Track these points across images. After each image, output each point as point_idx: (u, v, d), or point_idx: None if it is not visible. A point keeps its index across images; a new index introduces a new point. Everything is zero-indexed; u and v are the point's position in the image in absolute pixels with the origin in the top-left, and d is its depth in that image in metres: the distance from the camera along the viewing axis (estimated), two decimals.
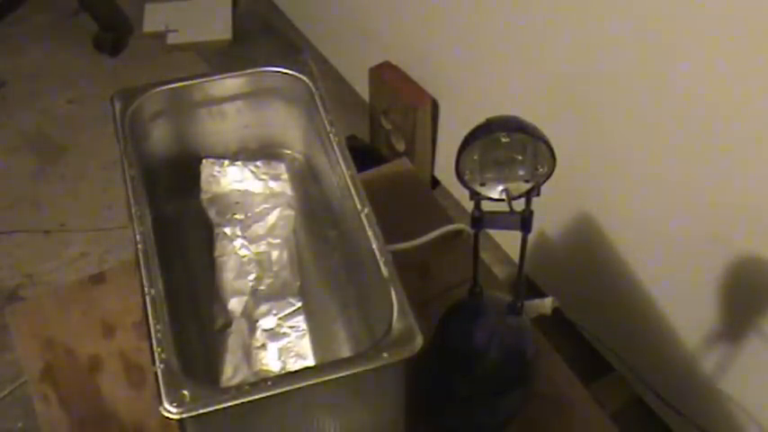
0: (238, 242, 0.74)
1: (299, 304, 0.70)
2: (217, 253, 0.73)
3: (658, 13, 0.99)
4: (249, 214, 0.75)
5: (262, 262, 0.72)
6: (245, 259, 0.73)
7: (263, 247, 0.73)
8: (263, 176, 0.77)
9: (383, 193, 0.88)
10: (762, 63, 0.89)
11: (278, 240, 0.74)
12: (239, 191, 0.76)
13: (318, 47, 2.00)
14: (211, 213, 0.75)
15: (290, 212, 0.76)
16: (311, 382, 0.52)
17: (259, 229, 0.75)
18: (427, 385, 0.71)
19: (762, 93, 0.90)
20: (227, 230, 0.74)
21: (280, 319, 0.69)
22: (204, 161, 0.77)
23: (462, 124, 0.60)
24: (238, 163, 0.77)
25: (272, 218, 0.75)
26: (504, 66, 1.34)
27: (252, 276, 0.71)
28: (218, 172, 0.77)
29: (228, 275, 0.71)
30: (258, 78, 0.73)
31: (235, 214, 0.75)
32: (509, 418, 0.72)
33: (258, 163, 0.78)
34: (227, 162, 0.77)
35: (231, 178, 0.77)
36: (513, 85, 1.33)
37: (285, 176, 0.78)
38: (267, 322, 0.69)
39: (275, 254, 0.73)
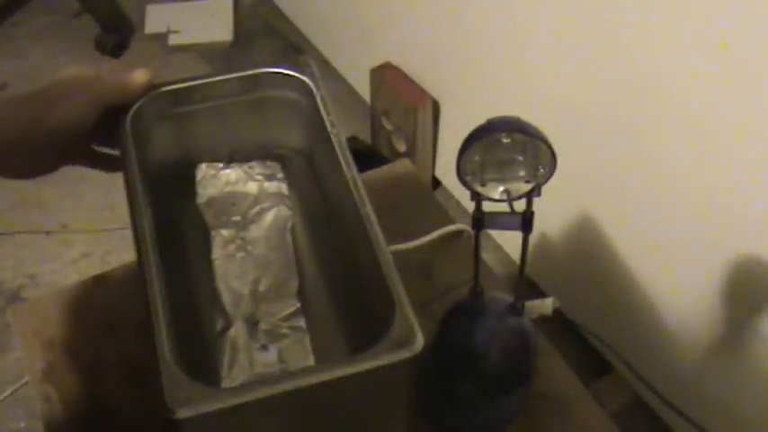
0: (236, 244, 0.74)
1: (299, 305, 0.70)
2: (214, 255, 0.72)
3: (659, 19, 1.00)
4: (245, 215, 0.76)
5: (260, 263, 0.72)
6: (242, 261, 0.73)
7: (260, 247, 0.74)
8: (258, 177, 0.77)
9: (384, 193, 0.88)
10: (761, 68, 0.89)
11: (275, 241, 0.74)
12: (235, 192, 0.76)
13: (319, 48, 2.00)
14: (208, 216, 0.75)
15: (286, 212, 0.76)
16: (311, 382, 0.52)
17: (256, 229, 0.75)
18: (428, 385, 0.71)
19: (763, 94, 0.90)
20: (225, 232, 0.74)
21: (279, 319, 0.69)
22: (198, 165, 0.77)
23: (463, 125, 0.60)
24: (233, 165, 0.77)
25: (268, 218, 0.75)
26: (505, 67, 1.34)
27: (250, 278, 0.71)
28: (213, 175, 0.77)
29: (227, 277, 0.71)
30: (259, 79, 0.73)
31: (231, 216, 0.75)
32: (509, 417, 0.72)
33: (252, 163, 0.78)
34: (221, 164, 0.77)
35: (226, 180, 0.77)
36: (514, 86, 1.33)
37: (281, 176, 0.78)
38: (267, 323, 0.69)
39: (273, 254, 0.73)
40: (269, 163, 0.79)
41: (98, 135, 0.68)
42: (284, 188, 0.77)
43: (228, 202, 0.76)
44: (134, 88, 0.68)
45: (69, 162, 0.69)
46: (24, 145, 0.63)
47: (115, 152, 0.71)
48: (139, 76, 0.68)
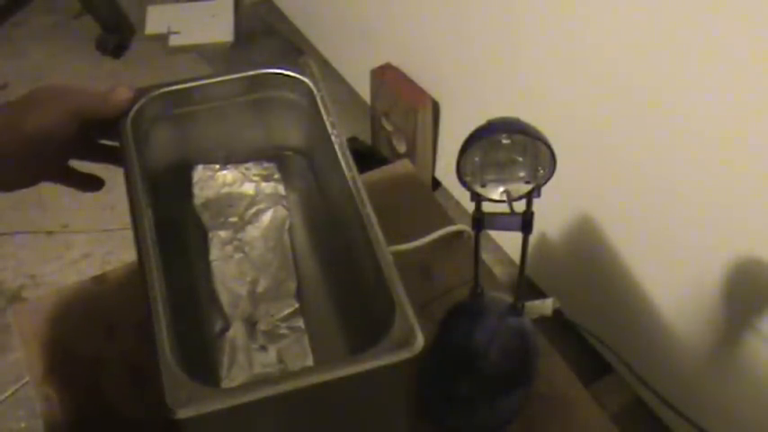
0: (233, 245, 0.74)
1: (297, 305, 0.70)
2: (212, 257, 0.72)
3: (659, 19, 1.00)
4: (243, 216, 0.76)
5: (258, 264, 0.72)
6: (240, 262, 0.73)
7: (258, 248, 0.74)
8: (255, 178, 0.77)
9: (384, 194, 0.89)
10: (760, 69, 0.89)
11: (273, 241, 0.74)
12: (231, 193, 0.76)
13: (320, 49, 2.00)
14: (205, 218, 0.75)
15: (284, 212, 0.76)
16: (311, 382, 0.52)
17: (253, 230, 0.75)
18: (428, 385, 0.71)
19: (762, 97, 0.90)
20: (222, 234, 0.74)
21: (278, 320, 0.69)
22: (195, 167, 0.77)
23: (463, 126, 0.60)
24: (229, 166, 0.77)
25: (266, 219, 0.75)
26: (505, 67, 1.34)
27: (248, 278, 0.71)
28: (210, 176, 0.77)
29: (225, 279, 0.71)
30: (260, 80, 0.73)
31: (228, 217, 0.75)
32: (509, 417, 0.72)
33: (249, 164, 0.78)
34: (217, 166, 0.77)
35: (222, 181, 0.77)
36: (514, 87, 1.34)
37: (277, 176, 0.78)
38: (265, 324, 0.69)
39: (271, 255, 0.73)
40: (265, 164, 0.79)
41: (76, 150, 0.68)
42: (281, 189, 0.78)
43: (225, 204, 0.76)
44: (114, 104, 0.67)
45: (47, 177, 0.69)
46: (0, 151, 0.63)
47: (95, 163, 0.71)
48: (121, 94, 0.68)
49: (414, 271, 0.84)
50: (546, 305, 0.75)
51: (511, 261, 1.53)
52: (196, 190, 0.76)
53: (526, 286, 0.70)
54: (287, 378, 0.54)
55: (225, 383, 0.65)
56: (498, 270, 1.49)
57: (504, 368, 0.71)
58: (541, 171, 0.60)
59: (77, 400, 0.75)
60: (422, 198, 0.93)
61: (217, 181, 0.77)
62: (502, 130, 0.58)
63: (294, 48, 2.12)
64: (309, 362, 0.67)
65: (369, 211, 0.61)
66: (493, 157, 0.60)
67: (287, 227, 0.75)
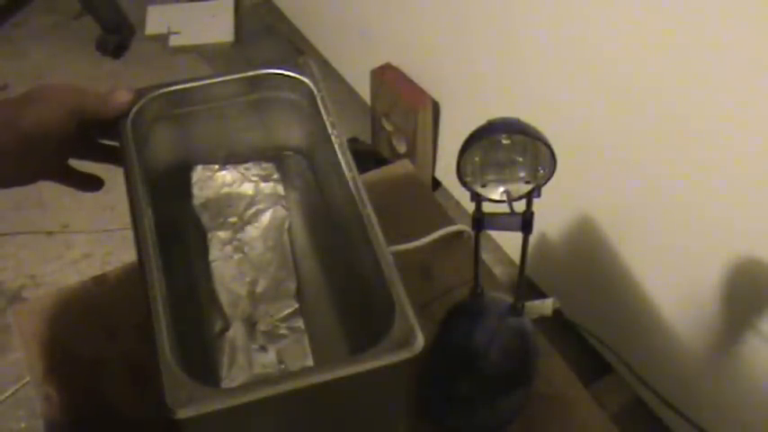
0: (233, 245, 0.74)
1: (297, 305, 0.70)
2: (211, 257, 0.72)
3: (659, 20, 1.00)
4: (242, 216, 0.76)
5: (257, 264, 0.73)
6: (240, 262, 0.73)
7: (257, 248, 0.74)
8: (254, 178, 0.77)
9: (384, 194, 0.89)
10: (758, 71, 0.89)
11: (272, 241, 0.74)
12: (230, 194, 0.76)
13: (320, 49, 2.01)
14: (204, 218, 0.75)
15: (283, 213, 0.76)
16: (311, 382, 0.52)
17: (253, 230, 0.75)
18: (428, 385, 0.72)
19: (763, 97, 0.91)
20: (221, 234, 0.74)
21: (278, 320, 0.69)
22: (194, 167, 0.77)
23: (463, 126, 0.61)
24: (228, 166, 0.77)
25: (265, 219, 0.75)
26: (505, 67, 1.34)
27: (248, 279, 0.71)
28: (209, 177, 0.77)
29: (224, 279, 0.71)
30: (260, 80, 0.73)
31: (228, 218, 0.75)
32: (509, 417, 0.72)
33: (248, 165, 0.78)
34: (216, 166, 0.77)
35: (222, 182, 0.77)
36: (514, 87, 1.34)
37: (276, 177, 0.78)
38: (265, 324, 0.69)
39: (270, 255, 0.73)
40: (264, 164, 0.79)
41: (76, 149, 0.68)
42: (280, 189, 0.78)
43: (225, 204, 0.76)
44: (114, 105, 0.67)
45: (46, 176, 0.68)
46: None
47: (94, 163, 0.71)
48: (121, 96, 0.67)
49: (414, 271, 0.84)
50: (546, 305, 0.75)
51: (511, 261, 1.53)
52: (195, 190, 0.76)
53: (526, 286, 0.70)
54: (287, 378, 0.54)
55: (225, 383, 0.65)
56: (498, 270, 1.49)
57: (504, 368, 0.71)
58: (541, 171, 0.60)
59: (77, 400, 0.75)
60: (422, 198, 0.93)
61: (216, 181, 0.77)
62: (502, 130, 0.58)
63: (294, 48, 2.12)
64: (309, 362, 0.67)
65: (369, 211, 0.61)
66: (493, 157, 0.60)
67: (286, 227, 0.75)
